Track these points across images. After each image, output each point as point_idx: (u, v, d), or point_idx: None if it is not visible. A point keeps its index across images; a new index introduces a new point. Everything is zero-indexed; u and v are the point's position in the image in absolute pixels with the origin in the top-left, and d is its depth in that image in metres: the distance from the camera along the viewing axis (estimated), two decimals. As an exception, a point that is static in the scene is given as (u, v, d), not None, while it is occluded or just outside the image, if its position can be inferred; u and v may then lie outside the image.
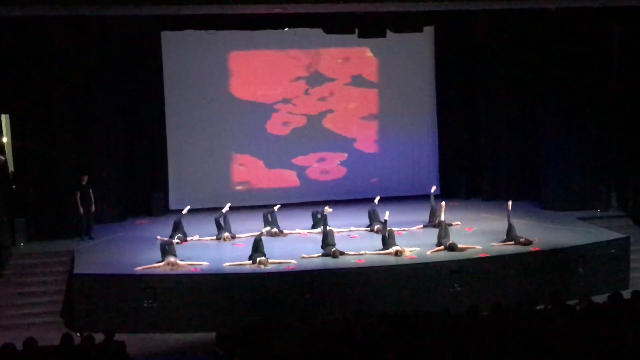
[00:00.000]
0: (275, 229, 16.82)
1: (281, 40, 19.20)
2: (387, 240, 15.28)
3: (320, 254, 15.12)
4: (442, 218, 16.80)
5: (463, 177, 20.66)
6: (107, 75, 18.06)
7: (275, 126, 20.04)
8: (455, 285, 14.60)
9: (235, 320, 13.31)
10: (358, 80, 20.34)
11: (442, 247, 15.27)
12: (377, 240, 15.72)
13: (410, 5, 15.20)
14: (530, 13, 16.67)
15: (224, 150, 19.85)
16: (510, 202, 16.30)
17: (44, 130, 16.99)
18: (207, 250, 15.76)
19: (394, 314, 10.97)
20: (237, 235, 16.63)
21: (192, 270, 14.51)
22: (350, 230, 17.03)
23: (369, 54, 20.29)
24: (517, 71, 19.67)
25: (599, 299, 12.07)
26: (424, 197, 18.85)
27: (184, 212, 16.89)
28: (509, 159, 20.11)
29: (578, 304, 11.11)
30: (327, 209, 16.68)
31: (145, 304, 14.07)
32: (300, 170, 20.29)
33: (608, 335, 9.05)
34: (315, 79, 20.11)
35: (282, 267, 14.56)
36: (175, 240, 15.68)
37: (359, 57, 20.28)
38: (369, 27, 16.18)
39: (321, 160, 20.44)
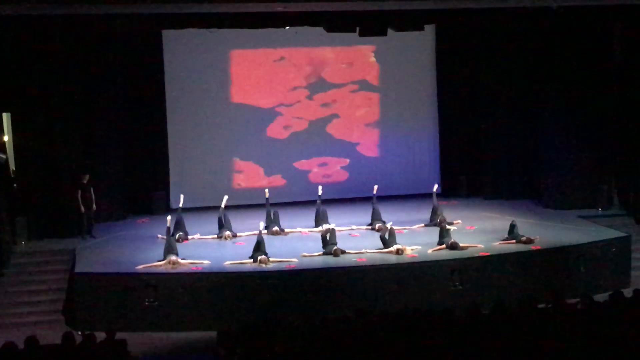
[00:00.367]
0: (276, 228, 16.82)
1: (282, 39, 19.20)
2: (388, 239, 15.29)
3: (322, 252, 15.11)
4: (443, 217, 16.82)
5: (464, 176, 20.65)
6: (108, 73, 18.07)
7: (275, 130, 20.01)
8: (457, 284, 14.60)
9: (237, 319, 13.33)
10: (358, 80, 20.31)
11: (443, 245, 15.27)
12: (378, 238, 15.72)
13: (412, 4, 15.19)
14: (532, 11, 16.65)
15: (225, 149, 19.84)
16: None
17: (45, 129, 17.00)
18: (208, 248, 15.76)
19: (395, 312, 10.97)
20: (238, 234, 16.63)
21: (193, 269, 14.51)
22: (352, 229, 17.02)
23: (370, 52, 20.28)
24: (518, 70, 19.66)
25: (600, 297, 12.07)
26: (425, 196, 18.85)
27: (180, 204, 16.82)
28: (510, 157, 20.10)
29: (579, 302, 11.09)
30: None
31: (146, 303, 14.07)
32: (302, 174, 20.27)
33: (609, 334, 9.06)
34: (316, 81, 20.08)
35: (283, 266, 14.56)
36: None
37: (359, 55, 20.27)
38: (370, 25, 16.15)
39: (323, 164, 20.42)
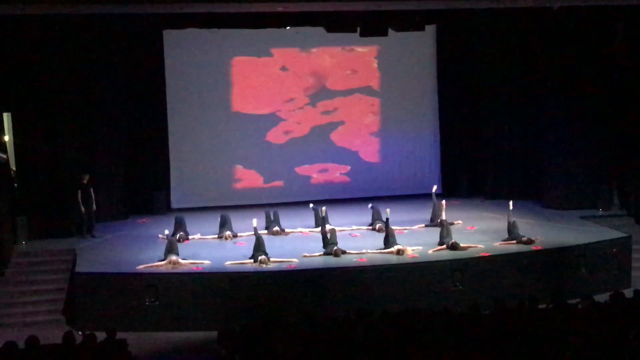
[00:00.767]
0: (276, 228, 16.82)
1: (283, 39, 19.19)
2: (389, 239, 15.29)
3: (322, 252, 15.11)
4: (444, 217, 16.81)
5: (465, 176, 20.66)
6: (109, 73, 18.07)
7: (275, 135, 20.01)
8: (457, 284, 14.59)
9: (237, 319, 13.29)
10: (360, 84, 20.32)
11: (444, 246, 15.27)
12: (378, 239, 15.72)
13: (412, 4, 15.19)
14: (533, 12, 16.64)
15: (226, 149, 19.84)
16: (511, 202, 16.33)
17: (46, 129, 17.01)
18: (209, 248, 15.76)
19: (396, 312, 10.97)
20: (238, 234, 16.63)
21: (193, 268, 14.51)
22: (352, 229, 17.02)
23: (372, 57, 20.28)
24: (519, 70, 19.66)
25: (601, 298, 12.04)
26: (426, 196, 18.85)
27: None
28: (511, 157, 20.10)
29: (580, 303, 11.10)
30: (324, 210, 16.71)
31: (147, 303, 14.07)
32: (304, 178, 20.27)
33: (610, 334, 9.06)
34: (317, 86, 20.08)
35: (284, 266, 14.56)
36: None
37: (360, 61, 20.28)
38: (370, 25, 16.16)
39: (323, 171, 20.42)
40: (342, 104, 20.29)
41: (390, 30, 16.90)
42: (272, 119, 19.99)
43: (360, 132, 20.51)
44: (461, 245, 15.20)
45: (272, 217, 17.19)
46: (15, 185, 17.32)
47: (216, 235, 16.60)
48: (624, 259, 15.84)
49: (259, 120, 19.90)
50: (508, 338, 9.24)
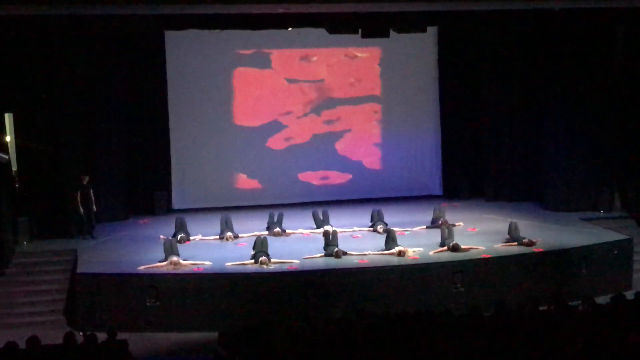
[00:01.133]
0: (277, 229, 16.83)
1: (284, 40, 19.20)
2: (390, 241, 15.29)
3: (323, 254, 15.11)
4: (446, 219, 16.83)
5: (466, 178, 20.65)
6: (111, 74, 18.08)
7: (276, 141, 20.00)
8: (458, 285, 14.59)
9: (238, 320, 13.35)
10: (362, 85, 20.30)
11: (445, 247, 15.26)
12: (380, 240, 15.73)
13: (414, 5, 15.18)
14: (534, 13, 16.64)
15: (227, 150, 19.84)
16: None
17: (48, 129, 17.01)
18: (210, 249, 15.76)
19: (397, 314, 10.97)
20: (239, 235, 16.63)
21: (194, 269, 14.51)
22: (354, 231, 17.02)
23: (372, 56, 20.27)
24: (520, 72, 19.66)
25: (602, 300, 12.04)
26: (427, 198, 18.85)
27: None
28: (512, 159, 20.09)
29: (581, 304, 11.10)
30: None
31: (147, 303, 14.07)
32: (304, 185, 20.28)
33: (611, 336, 9.06)
34: (318, 92, 20.09)
35: (285, 267, 14.56)
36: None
37: (362, 60, 20.25)
38: (372, 27, 16.13)
39: (325, 178, 20.40)
40: (343, 110, 20.23)
41: (392, 33, 16.91)
42: (275, 125, 19.94)
43: (362, 134, 20.45)
44: (462, 247, 15.19)
45: (275, 219, 17.18)
46: (17, 185, 17.33)
47: (217, 236, 16.60)
48: (625, 260, 15.84)
49: (261, 123, 19.86)
50: (509, 340, 9.24)
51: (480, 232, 16.76)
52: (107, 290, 14.19)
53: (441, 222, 16.82)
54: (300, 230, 17.12)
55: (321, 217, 17.30)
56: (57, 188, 17.05)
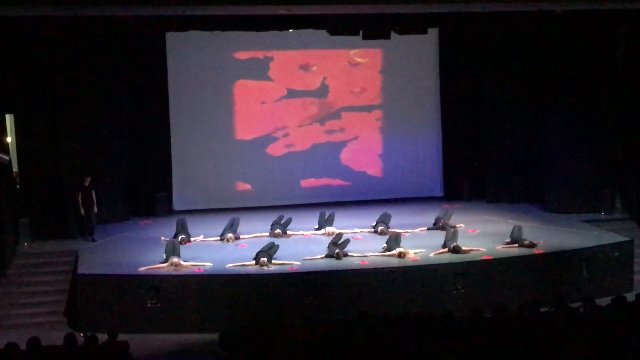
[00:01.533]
0: (278, 230, 16.83)
1: (285, 41, 19.19)
2: (392, 242, 15.29)
3: (324, 255, 15.11)
4: (449, 221, 16.86)
5: (467, 180, 20.64)
6: (112, 75, 18.08)
7: (276, 148, 20.00)
8: (459, 287, 14.59)
9: (239, 321, 13.34)
10: (359, 80, 20.30)
11: (446, 249, 15.26)
12: (381, 242, 15.73)
13: (415, 7, 15.18)
14: (536, 15, 16.64)
15: (228, 151, 19.84)
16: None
17: (48, 131, 17.02)
18: (211, 251, 15.76)
19: (397, 315, 10.97)
20: (240, 237, 16.63)
21: (195, 271, 14.51)
22: (355, 232, 17.01)
23: (372, 54, 20.26)
24: (521, 74, 19.66)
25: (603, 301, 12.03)
26: (428, 200, 18.84)
27: None
28: (513, 161, 20.08)
29: (582, 306, 11.10)
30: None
31: (148, 305, 14.07)
32: (306, 187, 20.28)
33: (611, 338, 9.05)
34: (319, 98, 20.11)
35: (286, 269, 14.56)
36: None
37: (361, 56, 20.26)
38: (373, 28, 16.15)
39: (326, 185, 20.41)
40: (345, 116, 20.21)
41: (393, 35, 16.92)
42: (275, 132, 19.92)
43: (364, 137, 20.43)
44: (463, 248, 15.19)
45: (281, 221, 17.16)
46: (18, 186, 17.34)
47: (218, 238, 16.60)
48: (626, 262, 15.83)
49: (261, 129, 19.88)
50: (510, 341, 9.23)
51: (481, 234, 16.75)
52: (108, 291, 14.19)
53: (442, 223, 16.84)
54: (301, 232, 17.12)
55: (325, 218, 17.28)
56: (58, 189, 17.05)
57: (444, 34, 20.06)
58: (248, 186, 19.95)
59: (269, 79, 19.82)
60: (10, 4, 13.32)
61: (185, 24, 16.11)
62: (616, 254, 15.75)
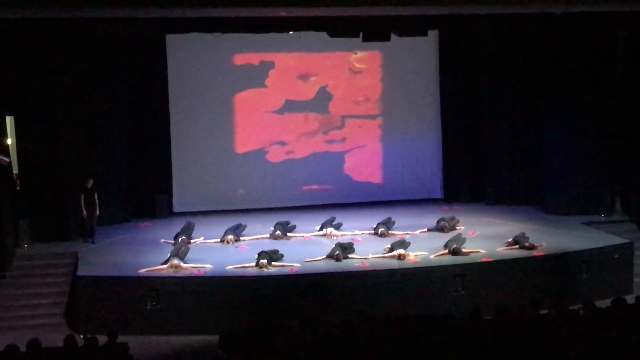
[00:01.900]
0: (278, 232, 16.83)
1: (285, 43, 19.20)
2: (397, 244, 15.30)
3: (324, 256, 15.11)
4: (447, 223, 16.87)
5: (467, 181, 20.64)
6: (112, 77, 18.09)
7: (275, 154, 20.01)
8: (459, 289, 14.59)
9: (239, 323, 13.34)
10: (360, 81, 20.31)
11: (445, 251, 15.27)
12: (381, 244, 15.73)
13: (415, 9, 15.19)
14: (536, 17, 16.66)
15: (228, 153, 19.84)
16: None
17: (49, 132, 17.01)
18: (211, 252, 15.76)
19: (397, 317, 10.97)
20: (240, 238, 16.63)
21: (195, 272, 14.52)
22: (355, 234, 17.02)
23: (372, 55, 20.27)
24: (521, 76, 19.67)
25: (603, 303, 12.05)
26: (428, 201, 18.83)
27: None
28: (513, 163, 20.08)
29: (581, 308, 11.10)
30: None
31: (148, 306, 14.08)
32: (307, 190, 20.30)
33: (611, 340, 9.05)
34: (320, 93, 20.12)
35: (286, 270, 14.57)
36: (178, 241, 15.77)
37: (361, 59, 20.27)
38: (373, 30, 16.17)
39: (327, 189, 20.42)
40: (346, 121, 20.24)
41: (393, 37, 16.93)
42: (276, 140, 19.96)
43: (364, 139, 20.43)
44: (463, 250, 15.20)
45: (283, 225, 17.16)
46: (18, 188, 17.32)
47: (218, 240, 16.60)
48: (626, 264, 15.83)
49: (263, 127, 19.90)
50: (509, 343, 9.23)
51: (480, 236, 16.76)
52: (108, 293, 14.19)
53: (442, 225, 16.86)
54: (301, 234, 17.12)
55: (333, 223, 17.24)
56: (58, 191, 17.05)
57: (444, 36, 20.07)
58: (248, 188, 19.94)
59: (269, 82, 19.81)
60: (11, 5, 13.33)
61: (186, 26, 16.13)
62: (616, 256, 15.76)
